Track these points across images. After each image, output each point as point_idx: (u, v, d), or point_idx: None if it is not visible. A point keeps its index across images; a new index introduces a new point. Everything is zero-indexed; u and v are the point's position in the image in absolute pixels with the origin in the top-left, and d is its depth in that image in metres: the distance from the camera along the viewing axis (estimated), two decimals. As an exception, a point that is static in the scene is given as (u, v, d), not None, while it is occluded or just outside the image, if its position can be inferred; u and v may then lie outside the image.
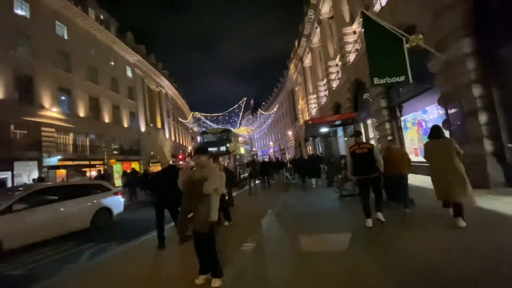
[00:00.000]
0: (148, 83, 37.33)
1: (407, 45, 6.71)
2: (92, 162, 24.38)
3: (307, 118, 32.83)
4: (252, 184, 11.29)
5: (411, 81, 6.63)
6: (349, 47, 17.49)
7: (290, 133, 48.62)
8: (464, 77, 6.04)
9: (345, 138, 11.56)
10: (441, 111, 8.41)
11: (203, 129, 32.01)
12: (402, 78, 6.65)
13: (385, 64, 6.74)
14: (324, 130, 8.01)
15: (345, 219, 5.38)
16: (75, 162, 22.33)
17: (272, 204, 7.58)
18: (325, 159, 12.06)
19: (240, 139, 24.93)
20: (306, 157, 20.79)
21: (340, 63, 20.72)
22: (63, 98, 22.12)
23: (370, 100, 14.03)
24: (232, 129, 25.34)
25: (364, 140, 5.38)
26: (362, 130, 17.07)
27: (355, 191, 6.65)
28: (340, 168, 7.53)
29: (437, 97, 8.45)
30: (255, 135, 54.13)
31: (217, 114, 36.63)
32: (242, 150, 22.41)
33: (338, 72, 22.41)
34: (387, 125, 12.27)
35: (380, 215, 4.66)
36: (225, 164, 15.38)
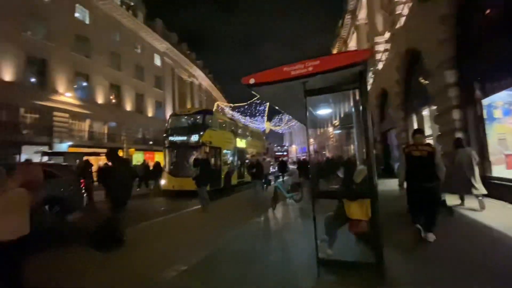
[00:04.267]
0: (179, 73, 36.21)
1: None
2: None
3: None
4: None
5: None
6: (401, 7, 12.55)
7: (331, 129, 43.15)
8: None
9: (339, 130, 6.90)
10: None
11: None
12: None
13: None
14: (293, 101, 3.75)
15: None
16: (90, 149, 21.73)
17: (203, 245, 4.05)
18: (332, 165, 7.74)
19: (238, 128, 17.46)
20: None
21: (389, 35, 15.63)
22: (80, 83, 21.58)
23: (427, 81, 9.19)
24: (216, 112, 17.90)
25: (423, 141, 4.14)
26: (415, 125, 12.11)
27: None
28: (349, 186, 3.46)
29: None
30: (285, 130, 49.53)
31: (239, 104, 33.55)
32: (238, 143, 15.62)
33: (386, 50, 17.24)
34: (456, 114, 7.49)
35: (430, 236, 3.70)
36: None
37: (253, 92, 3.16)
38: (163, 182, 12.02)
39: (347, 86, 2.97)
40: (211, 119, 13.11)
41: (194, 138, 11.67)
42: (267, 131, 39.92)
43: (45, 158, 17.71)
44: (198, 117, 12.98)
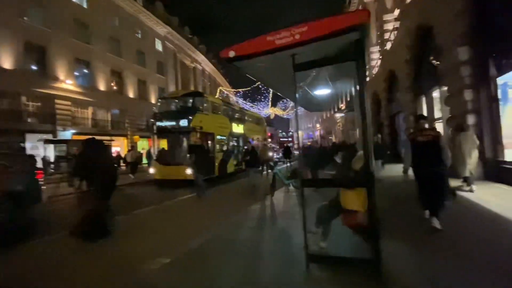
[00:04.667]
0: (182, 58, 35.52)
1: None
2: (114, 138, 23.77)
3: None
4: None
5: None
6: (412, -20, 11.66)
7: (337, 114, 42.23)
8: None
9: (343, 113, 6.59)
10: None
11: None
12: None
13: None
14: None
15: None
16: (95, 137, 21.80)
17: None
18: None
19: (234, 112, 16.21)
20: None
21: (398, 12, 14.70)
22: (81, 70, 21.32)
23: (439, 60, 8.55)
24: (208, 94, 16.29)
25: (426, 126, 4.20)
26: (424, 107, 11.55)
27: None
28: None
29: None
30: (291, 116, 48.26)
31: (243, 89, 32.81)
32: (234, 128, 14.68)
33: (395, 29, 16.30)
34: (468, 95, 6.97)
35: (435, 221, 3.61)
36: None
37: (246, 72, 2.82)
38: (152, 170, 11.33)
39: (343, 58, 2.60)
40: (202, 102, 12.07)
41: (183, 123, 10.72)
42: (272, 116, 39.36)
43: (50, 146, 17.90)
44: (187, 100, 12.00)
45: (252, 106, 33.19)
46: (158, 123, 11.51)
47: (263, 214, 5.29)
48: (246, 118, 17.82)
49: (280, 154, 25.95)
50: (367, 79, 23.92)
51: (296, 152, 33.15)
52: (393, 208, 4.62)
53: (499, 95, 6.34)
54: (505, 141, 6.30)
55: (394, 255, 2.76)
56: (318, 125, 62.56)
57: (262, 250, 3.35)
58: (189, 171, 8.76)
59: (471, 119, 6.89)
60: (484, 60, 6.47)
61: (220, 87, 36.35)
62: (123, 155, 21.28)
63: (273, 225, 4.49)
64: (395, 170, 9.47)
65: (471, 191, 5.59)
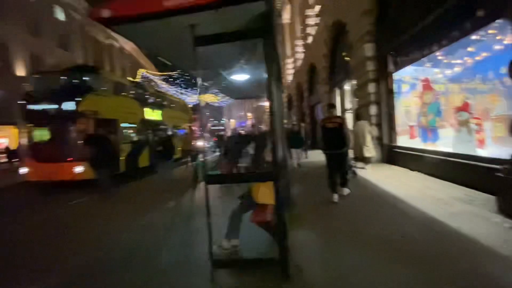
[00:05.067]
0: (93, 32, 30.28)
1: None
2: (-4, 127, 18.79)
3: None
4: None
5: None
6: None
7: (266, 103, 43.75)
8: None
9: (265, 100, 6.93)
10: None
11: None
12: None
13: None
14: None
15: None
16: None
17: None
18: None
19: (148, 95, 13.57)
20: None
21: (318, 8, 15.59)
22: None
23: (350, 55, 9.37)
24: (107, 71, 13.33)
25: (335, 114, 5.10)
26: (338, 100, 12.69)
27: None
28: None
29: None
30: (223, 103, 47.73)
31: (169, 73, 30.16)
32: (148, 114, 12.35)
33: (316, 24, 17.37)
34: (371, 88, 7.80)
35: (345, 190, 4.65)
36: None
37: (139, 44, 2.20)
38: (23, 170, 8.74)
39: (251, 34, 2.26)
40: (97, 79, 9.45)
41: (68, 106, 8.16)
42: (202, 103, 37.82)
43: None
44: (75, 76, 9.27)
45: (178, 92, 30.84)
46: (31, 107, 8.58)
47: (176, 213, 4.74)
48: (166, 103, 15.48)
49: (211, 144, 25.27)
50: (293, 70, 25.29)
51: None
52: (305, 193, 4.86)
53: (395, 89, 7.28)
54: (399, 129, 7.34)
55: (303, 249, 2.70)
56: (249, 114, 63.86)
57: (166, 259, 2.86)
58: (78, 168, 7.18)
59: (373, 110, 7.78)
60: (384, 57, 7.28)
61: (141, 69, 32.64)
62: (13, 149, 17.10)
63: (186, 226, 4.02)
64: (316, 155, 10.19)
65: (363, 168, 6.72)
